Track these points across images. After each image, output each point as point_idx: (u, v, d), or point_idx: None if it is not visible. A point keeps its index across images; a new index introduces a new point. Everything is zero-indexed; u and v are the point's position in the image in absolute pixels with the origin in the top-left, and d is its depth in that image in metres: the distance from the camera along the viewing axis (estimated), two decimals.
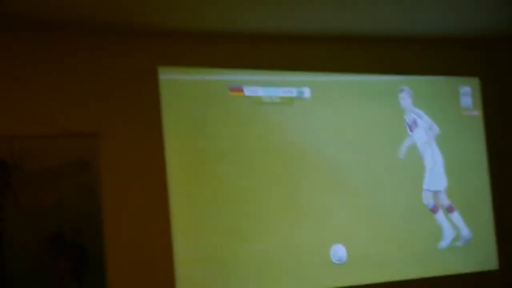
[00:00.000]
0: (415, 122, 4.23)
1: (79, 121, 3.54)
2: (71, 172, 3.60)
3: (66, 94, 3.53)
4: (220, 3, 3.39)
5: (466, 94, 4.47)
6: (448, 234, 4.21)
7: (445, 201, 4.24)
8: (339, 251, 3.88)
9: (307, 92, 3.98)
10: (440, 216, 4.22)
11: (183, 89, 3.72)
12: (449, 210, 4.23)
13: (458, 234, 4.26)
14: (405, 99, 4.24)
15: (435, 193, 4.26)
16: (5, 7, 3.09)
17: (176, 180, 3.63)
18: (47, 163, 3.56)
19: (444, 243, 4.19)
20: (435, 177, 4.27)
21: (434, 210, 4.21)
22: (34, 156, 3.51)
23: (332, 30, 3.97)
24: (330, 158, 3.98)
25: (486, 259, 4.35)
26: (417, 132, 4.24)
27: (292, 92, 3.95)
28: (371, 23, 3.93)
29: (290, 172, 3.87)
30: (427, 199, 4.21)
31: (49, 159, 3.57)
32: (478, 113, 4.48)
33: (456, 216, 4.25)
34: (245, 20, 3.69)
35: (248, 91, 3.86)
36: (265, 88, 3.90)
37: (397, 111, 4.26)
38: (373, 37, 4.14)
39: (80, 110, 3.54)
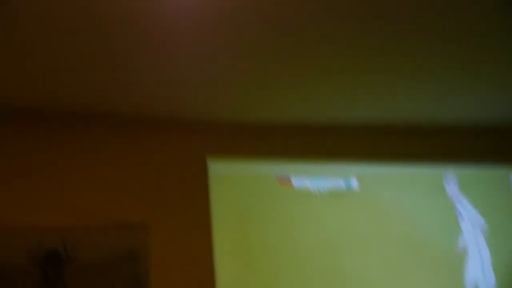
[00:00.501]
0: (460, 212, 4.15)
1: (129, 212, 3.58)
2: (122, 263, 3.60)
3: (117, 185, 3.59)
4: (267, 96, 3.48)
5: None
6: None
7: None
8: None
9: (355, 183, 3.97)
10: None
11: (232, 180, 3.76)
12: None
13: None
14: (451, 187, 4.18)
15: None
16: (61, 102, 3.22)
17: (225, 272, 3.61)
18: (98, 254, 3.57)
19: None
20: (478, 270, 4.12)
21: None
22: (85, 247, 3.53)
23: (378, 120, 4.00)
24: (379, 251, 3.92)
25: None
26: (462, 222, 4.15)
27: (340, 183, 3.95)
28: (418, 113, 3.94)
29: (341, 264, 3.82)
30: None
31: (100, 250, 3.58)
32: None
33: None
34: (294, 111, 3.75)
35: (296, 182, 3.87)
36: (313, 179, 3.91)
37: (447, 200, 4.20)
38: (419, 126, 4.14)
39: (130, 201, 3.59)
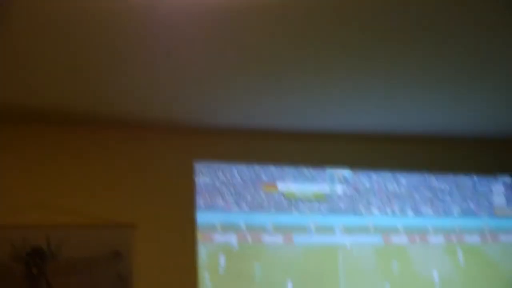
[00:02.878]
0: None
1: (116, 212, 3.61)
2: (105, 262, 3.63)
3: (104, 186, 3.64)
4: (255, 103, 3.50)
5: None
6: None
7: None
8: None
9: (340, 189, 4.03)
10: None
11: None
12: None
13: None
14: None
15: None
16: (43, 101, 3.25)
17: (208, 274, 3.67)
18: (83, 252, 3.58)
19: None
20: None
21: None
22: (70, 245, 3.55)
23: (364, 128, 4.06)
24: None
25: None
26: None
27: (325, 187, 4.01)
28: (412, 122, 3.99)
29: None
30: None
31: (85, 248, 3.59)
32: None
33: None
34: (282, 118, 3.80)
35: (281, 186, 3.93)
36: (298, 184, 3.96)
37: None
38: (408, 136, 4.23)
39: (117, 201, 3.63)
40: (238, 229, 3.84)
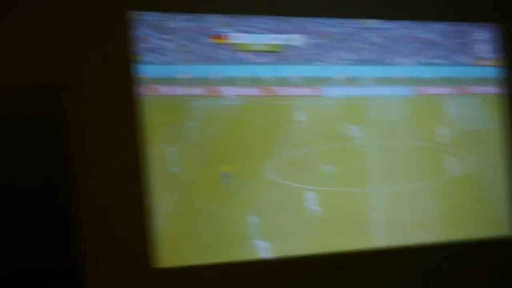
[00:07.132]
0: None
1: (51, 71, 3.32)
2: (43, 124, 3.39)
3: (38, 44, 3.31)
4: None
5: None
6: None
7: None
8: None
9: (296, 40, 3.70)
10: None
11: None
12: None
13: None
14: None
15: None
16: None
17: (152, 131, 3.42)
18: (11, 114, 3.33)
19: None
20: None
21: None
22: (3, 107, 3.29)
23: None
24: None
25: None
26: None
27: (280, 38, 3.68)
28: None
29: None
30: None
31: (14, 110, 3.33)
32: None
33: None
34: None
35: (232, 36, 3.60)
36: (249, 34, 3.64)
37: None
38: None
39: (52, 60, 3.33)
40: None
